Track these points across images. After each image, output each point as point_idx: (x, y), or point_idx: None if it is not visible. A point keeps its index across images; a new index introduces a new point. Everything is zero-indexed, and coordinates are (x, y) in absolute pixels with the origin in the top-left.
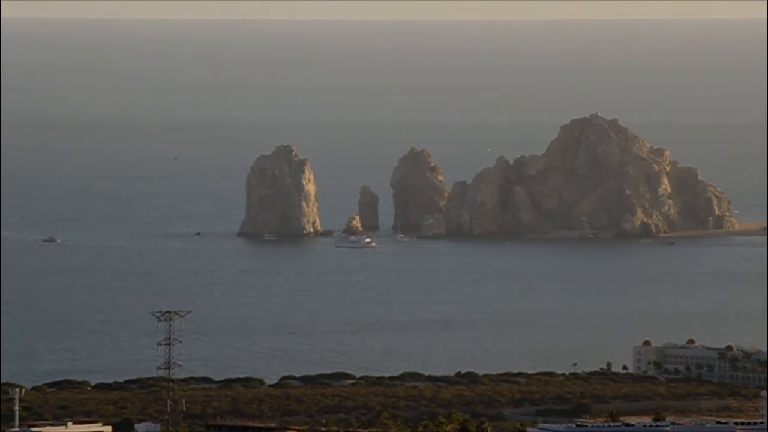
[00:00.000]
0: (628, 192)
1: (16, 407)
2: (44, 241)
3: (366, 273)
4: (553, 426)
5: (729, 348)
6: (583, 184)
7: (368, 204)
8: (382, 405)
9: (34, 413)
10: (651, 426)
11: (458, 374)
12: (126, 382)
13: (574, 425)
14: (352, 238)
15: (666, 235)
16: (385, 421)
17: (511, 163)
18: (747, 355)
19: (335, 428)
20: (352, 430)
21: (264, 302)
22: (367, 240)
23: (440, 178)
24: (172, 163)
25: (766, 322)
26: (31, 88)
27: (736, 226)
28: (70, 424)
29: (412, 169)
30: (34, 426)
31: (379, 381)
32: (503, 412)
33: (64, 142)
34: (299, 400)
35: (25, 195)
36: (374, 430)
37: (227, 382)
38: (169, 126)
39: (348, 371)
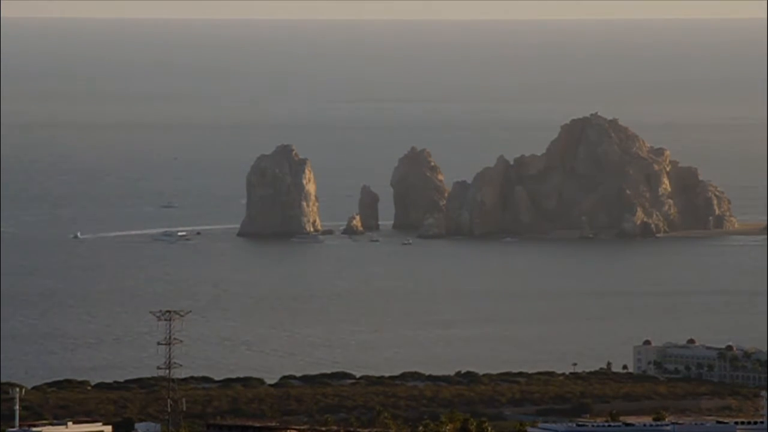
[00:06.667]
0: (628, 192)
1: (17, 407)
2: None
3: (366, 271)
4: (553, 426)
5: (729, 348)
6: (583, 184)
7: (368, 204)
8: (382, 405)
9: (34, 413)
10: (651, 426)
11: (458, 374)
12: (126, 381)
13: (574, 425)
14: (167, 231)
15: (664, 234)
16: (385, 421)
17: (511, 163)
18: (747, 355)
19: (335, 428)
20: (352, 429)
21: (264, 301)
22: (182, 234)
23: (440, 177)
24: (172, 163)
25: (766, 322)
26: (30, 87)
27: (736, 226)
28: (70, 424)
29: (412, 168)
30: (34, 426)
31: (379, 381)
32: (503, 411)
33: (63, 141)
34: (299, 400)
35: (25, 195)
36: (374, 430)
37: (227, 382)
38: (169, 126)
39: (348, 371)
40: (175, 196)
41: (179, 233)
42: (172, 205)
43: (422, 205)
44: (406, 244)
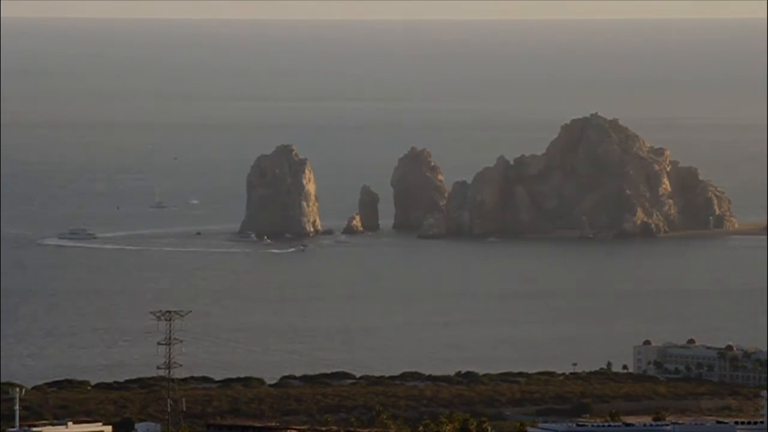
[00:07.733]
0: (628, 192)
1: (17, 407)
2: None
3: (366, 272)
4: (553, 426)
5: (729, 348)
6: (583, 184)
7: (368, 204)
8: (382, 405)
9: (34, 413)
10: (651, 426)
11: (458, 374)
12: (126, 381)
13: (574, 425)
14: (73, 229)
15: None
16: (385, 421)
17: (511, 162)
18: (747, 355)
19: (335, 428)
20: (352, 429)
21: (264, 301)
22: (90, 232)
23: (440, 177)
24: (172, 163)
25: (766, 322)
26: (30, 87)
27: (736, 226)
28: (70, 424)
29: (412, 168)
30: (34, 426)
31: (379, 381)
32: (503, 411)
33: (63, 141)
34: (299, 400)
35: (25, 194)
36: (374, 430)
37: (227, 382)
38: (169, 126)
39: (348, 371)
40: (174, 196)
41: (88, 232)
42: (162, 205)
43: (422, 205)
44: (296, 250)
